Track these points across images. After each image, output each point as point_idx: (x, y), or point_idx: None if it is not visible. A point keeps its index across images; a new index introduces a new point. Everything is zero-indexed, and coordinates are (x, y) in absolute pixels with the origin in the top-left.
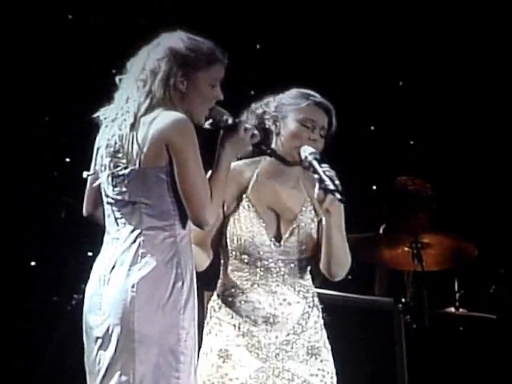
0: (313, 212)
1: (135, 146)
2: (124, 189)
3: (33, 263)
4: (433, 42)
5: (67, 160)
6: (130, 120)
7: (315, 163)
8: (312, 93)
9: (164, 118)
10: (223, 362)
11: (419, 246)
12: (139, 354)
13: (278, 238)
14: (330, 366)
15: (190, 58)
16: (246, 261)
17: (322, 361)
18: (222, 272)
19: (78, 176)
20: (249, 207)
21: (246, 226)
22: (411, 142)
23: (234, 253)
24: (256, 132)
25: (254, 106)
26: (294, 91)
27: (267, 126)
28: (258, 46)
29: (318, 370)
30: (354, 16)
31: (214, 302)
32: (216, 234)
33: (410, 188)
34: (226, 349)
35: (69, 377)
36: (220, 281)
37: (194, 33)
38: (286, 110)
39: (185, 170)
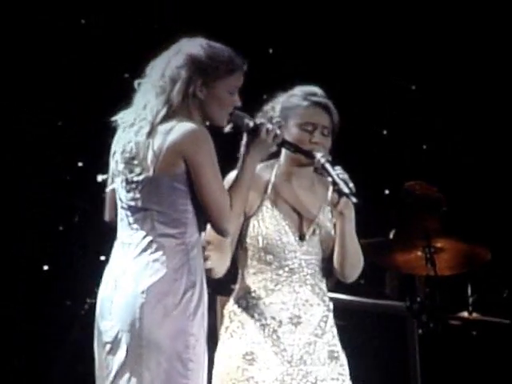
0: (330, 213)
1: (150, 155)
2: (137, 195)
3: (46, 267)
4: (444, 47)
5: (80, 164)
6: (146, 128)
7: (328, 166)
8: (312, 91)
9: (180, 129)
10: (249, 364)
11: (432, 251)
12: (147, 360)
13: (301, 237)
14: (347, 371)
15: (210, 66)
16: (270, 261)
17: (341, 365)
18: (240, 276)
19: (91, 180)
20: (272, 207)
21: (273, 225)
22: (424, 147)
23: (257, 255)
24: (278, 132)
25: (265, 108)
26: (296, 90)
27: None
28: (270, 51)
29: (339, 374)
30: (366, 22)
31: (234, 305)
32: (234, 239)
33: (418, 192)
34: (252, 351)
35: (82, 381)
36: (239, 285)
37: (209, 38)
38: (288, 114)
39: (202, 180)
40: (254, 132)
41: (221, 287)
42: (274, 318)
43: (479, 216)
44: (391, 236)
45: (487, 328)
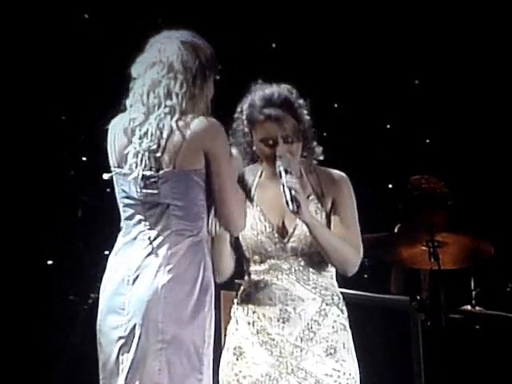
0: (318, 206)
1: (171, 149)
2: (155, 190)
3: (50, 262)
4: (447, 40)
5: (84, 159)
6: (175, 114)
7: (283, 175)
8: (267, 100)
9: (200, 123)
10: (237, 359)
11: (436, 245)
12: (166, 355)
13: (283, 234)
14: (347, 367)
15: (211, 56)
16: (257, 260)
17: (337, 361)
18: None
19: (95, 175)
20: (253, 207)
21: (251, 225)
22: (427, 141)
23: (246, 253)
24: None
25: (236, 114)
26: (256, 98)
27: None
28: (273, 45)
29: (333, 370)
30: (369, 16)
31: (235, 302)
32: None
33: (425, 186)
34: (240, 346)
35: (86, 375)
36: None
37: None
38: (251, 127)
39: (222, 175)
40: None
41: (224, 282)
42: (263, 315)
43: (483, 210)
44: (396, 230)
45: (491, 322)
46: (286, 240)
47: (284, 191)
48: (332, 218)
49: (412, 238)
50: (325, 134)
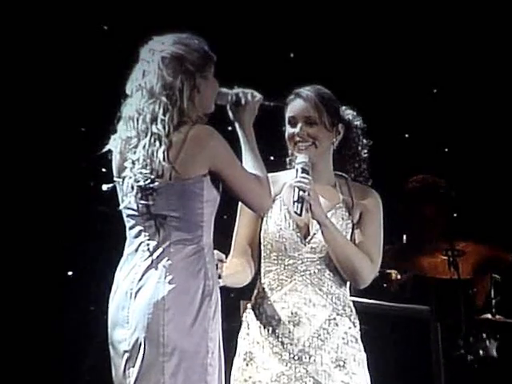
0: (345, 214)
1: (166, 163)
2: (151, 202)
3: (70, 273)
4: (466, 50)
5: (103, 170)
6: (162, 144)
7: (298, 172)
8: (301, 88)
9: (194, 135)
10: (247, 364)
11: (455, 254)
12: (169, 368)
13: (305, 235)
14: (357, 380)
15: (198, 58)
16: (275, 259)
17: (347, 373)
18: (258, 278)
19: (114, 186)
20: (280, 205)
21: (275, 221)
22: (446, 150)
23: (265, 254)
24: (257, 94)
25: None
26: None
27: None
28: (291, 55)
29: (342, 382)
30: (387, 24)
31: (248, 308)
32: (256, 242)
33: (413, 184)
34: (251, 351)
35: None
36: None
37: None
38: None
39: (232, 176)
40: (238, 102)
41: (244, 291)
42: (273, 317)
43: (502, 219)
44: (404, 240)
45: (511, 330)
46: (307, 240)
47: (294, 190)
48: (356, 230)
49: (431, 247)
50: None
